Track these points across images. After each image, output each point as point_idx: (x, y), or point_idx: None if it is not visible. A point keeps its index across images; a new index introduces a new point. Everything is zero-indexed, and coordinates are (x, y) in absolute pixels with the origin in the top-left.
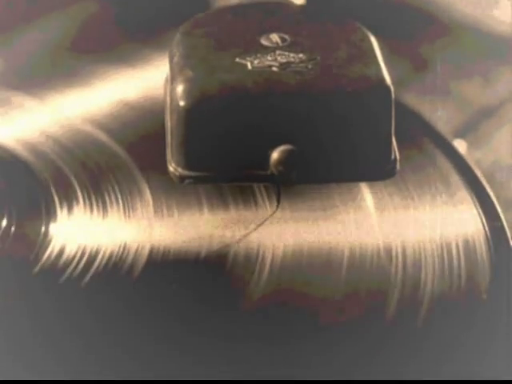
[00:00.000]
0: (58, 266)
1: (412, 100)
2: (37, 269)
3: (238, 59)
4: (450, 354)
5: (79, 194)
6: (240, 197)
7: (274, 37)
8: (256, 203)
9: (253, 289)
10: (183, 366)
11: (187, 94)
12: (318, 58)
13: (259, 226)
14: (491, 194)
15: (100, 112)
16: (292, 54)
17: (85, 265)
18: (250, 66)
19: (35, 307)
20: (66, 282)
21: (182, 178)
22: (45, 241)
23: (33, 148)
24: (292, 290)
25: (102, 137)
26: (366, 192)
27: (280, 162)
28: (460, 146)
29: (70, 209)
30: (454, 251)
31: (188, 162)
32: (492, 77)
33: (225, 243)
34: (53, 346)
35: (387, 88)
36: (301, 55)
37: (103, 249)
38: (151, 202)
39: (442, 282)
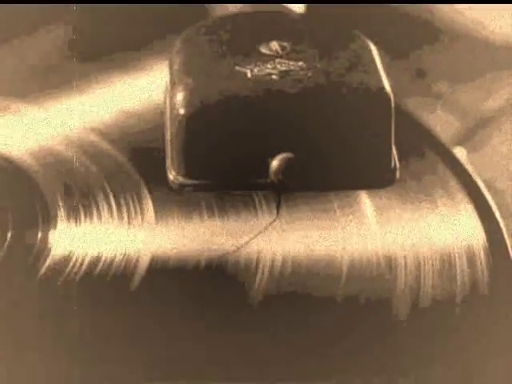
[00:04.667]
0: (58, 274)
1: (411, 108)
2: (37, 277)
3: (237, 67)
4: (451, 361)
5: (80, 202)
6: (240, 205)
7: (274, 45)
8: (256, 211)
9: (252, 297)
10: (182, 373)
11: (187, 102)
12: (318, 66)
13: (259, 233)
14: (491, 201)
15: (100, 120)
16: (292, 62)
17: (85, 273)
18: (249, 74)
19: (35, 315)
20: (66, 289)
21: (181, 186)
22: (45, 249)
23: (34, 157)
24: (291, 297)
25: (103, 145)
26: (365, 200)
27: (280, 170)
28: (460, 153)
29: (70, 217)
30: (454, 259)
31: (188, 170)
32: (491, 84)
33: (225, 251)
34: (52, 354)
35: (387, 96)
36: (300, 63)
37: (104, 257)
38: (152, 210)
39: (442, 289)
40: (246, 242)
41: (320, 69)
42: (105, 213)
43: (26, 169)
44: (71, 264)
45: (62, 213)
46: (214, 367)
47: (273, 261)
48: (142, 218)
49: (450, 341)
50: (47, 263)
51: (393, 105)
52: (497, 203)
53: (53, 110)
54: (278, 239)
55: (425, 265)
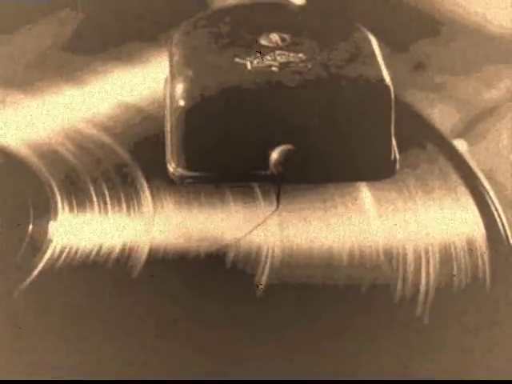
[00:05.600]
0: (58, 266)
1: (411, 100)
2: (37, 268)
3: (237, 59)
4: (451, 354)
5: (80, 193)
6: (240, 196)
7: (274, 36)
8: (256, 203)
9: (252, 288)
10: (181, 363)
11: (187, 94)
12: (318, 57)
13: (259, 225)
14: (491, 193)
15: (100, 112)
16: (292, 54)
17: (85, 264)
18: (249, 66)
19: (35, 306)
20: (66, 281)
21: (181, 178)
22: (45, 240)
23: (34, 148)
24: (291, 289)
25: (103, 137)
26: (366, 193)
27: (280, 161)
28: (460, 145)
29: (70, 208)
30: (455, 252)
31: (188, 162)
32: (491, 76)
33: (225, 243)
34: (52, 343)
35: (387, 88)
36: (300, 55)
37: (103, 248)
38: (151, 202)
39: (442, 281)
40: (246, 234)
41: (320, 61)
42: (105, 204)
43: (25, 161)
44: (71, 255)
45: (61, 204)
46: (214, 359)
47: (273, 252)
48: (142, 210)
49: (450, 332)
50: (47, 254)
51: (393, 97)
52: (497, 195)
53: (52, 102)
54: (278, 231)
55: (425, 256)
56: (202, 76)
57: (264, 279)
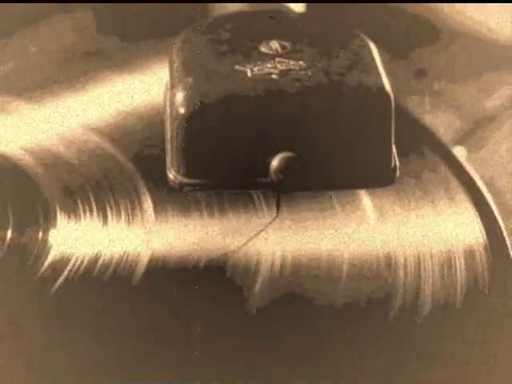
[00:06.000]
0: (57, 274)
1: (411, 107)
2: (37, 276)
3: (237, 66)
4: (450, 360)
5: (79, 201)
6: (240, 204)
7: (274, 44)
8: (256, 211)
9: (252, 297)
10: (179, 373)
11: (187, 101)
12: (318, 65)
13: (259, 233)
14: (491, 201)
15: (100, 119)
16: (292, 62)
17: (84, 272)
18: (249, 74)
19: (35, 314)
20: (66, 289)
21: (181, 186)
22: (45, 248)
23: (34, 156)
24: (291, 298)
25: (103, 144)
26: (366, 200)
27: (280, 169)
28: (460, 152)
29: (70, 216)
30: (454, 259)
31: (188, 169)
32: (491, 83)
33: (224, 251)
34: (51, 351)
35: (387, 95)
36: (301, 63)
37: (103, 256)
38: (151, 210)
39: (442, 290)
40: (246, 242)
41: (320, 68)
42: (104, 212)
43: (25, 168)
44: (71, 263)
45: (61, 212)
46: (213, 367)
47: (272, 260)
48: (142, 218)
49: (449, 339)
50: (47, 262)
51: (393, 104)
52: (496, 202)
53: (52, 109)
54: (277, 238)
55: (425, 264)
56: (202, 83)
57: (263, 288)
